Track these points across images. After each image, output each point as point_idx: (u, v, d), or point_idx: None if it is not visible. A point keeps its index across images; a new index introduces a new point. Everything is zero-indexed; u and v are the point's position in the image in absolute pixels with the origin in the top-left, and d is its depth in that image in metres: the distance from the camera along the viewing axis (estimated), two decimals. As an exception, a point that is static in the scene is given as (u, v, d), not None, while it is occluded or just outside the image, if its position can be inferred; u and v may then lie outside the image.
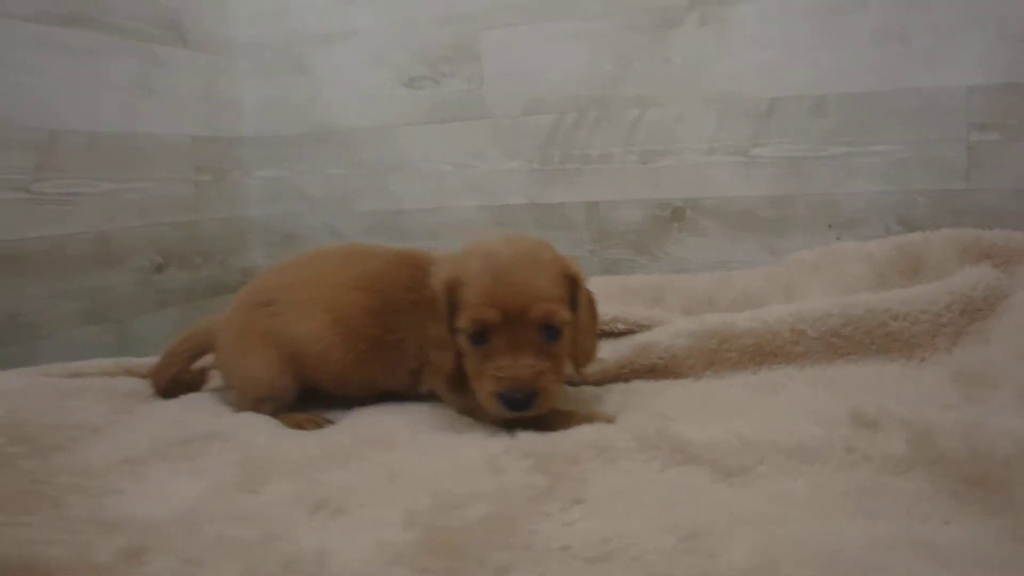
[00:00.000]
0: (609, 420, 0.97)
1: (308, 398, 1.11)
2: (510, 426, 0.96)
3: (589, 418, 0.97)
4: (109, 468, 0.84)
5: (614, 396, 1.08)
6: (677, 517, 0.68)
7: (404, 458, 0.87)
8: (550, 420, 0.96)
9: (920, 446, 0.76)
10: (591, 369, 1.10)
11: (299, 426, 1.04)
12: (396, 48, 1.84)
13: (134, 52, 1.62)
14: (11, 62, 1.36)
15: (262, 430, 0.99)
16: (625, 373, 1.16)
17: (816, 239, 1.55)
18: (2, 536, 0.67)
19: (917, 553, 0.59)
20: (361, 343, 1.07)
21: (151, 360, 1.20)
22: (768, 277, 1.40)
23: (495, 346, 0.93)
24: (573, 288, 0.98)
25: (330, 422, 1.06)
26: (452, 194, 1.84)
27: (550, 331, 0.94)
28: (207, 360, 1.20)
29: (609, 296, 1.30)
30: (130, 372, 1.20)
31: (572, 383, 1.13)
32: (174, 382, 1.17)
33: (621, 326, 1.25)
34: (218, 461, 0.86)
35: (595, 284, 1.08)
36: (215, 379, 1.21)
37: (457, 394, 1.02)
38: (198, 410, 1.07)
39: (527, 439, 0.89)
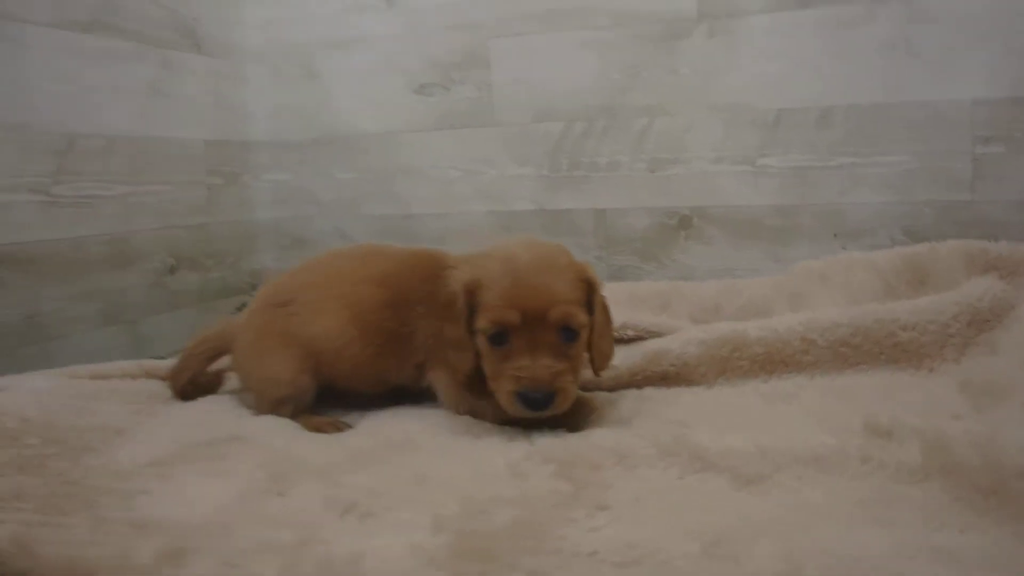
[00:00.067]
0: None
1: (319, 401, 1.12)
2: (524, 425, 0.98)
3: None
4: (137, 470, 0.85)
5: (628, 402, 1.10)
6: (699, 524, 0.70)
7: (426, 462, 0.88)
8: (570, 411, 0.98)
9: (934, 456, 0.77)
10: (607, 374, 1.11)
11: (318, 429, 1.06)
12: (406, 55, 1.86)
13: (150, 58, 1.64)
14: (32, 67, 1.37)
15: (282, 433, 1.00)
16: (638, 380, 1.17)
17: (822, 248, 1.58)
18: (44, 537, 0.68)
19: (937, 560, 0.61)
20: (377, 337, 1.08)
21: (171, 362, 1.21)
22: (775, 285, 1.42)
23: (514, 347, 0.95)
24: (589, 292, 1.00)
25: (348, 426, 1.08)
26: (460, 199, 1.85)
27: (568, 333, 0.96)
28: (222, 362, 1.21)
29: (616, 302, 1.30)
30: (150, 374, 1.21)
31: (586, 388, 1.15)
32: (191, 384, 1.18)
33: (631, 332, 1.26)
34: (242, 464, 0.87)
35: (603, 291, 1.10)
36: (231, 381, 1.23)
37: (470, 394, 1.04)
38: (218, 413, 1.09)
39: (546, 445, 0.91)
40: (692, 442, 0.87)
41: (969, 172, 1.48)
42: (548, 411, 0.94)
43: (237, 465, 0.87)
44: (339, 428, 1.07)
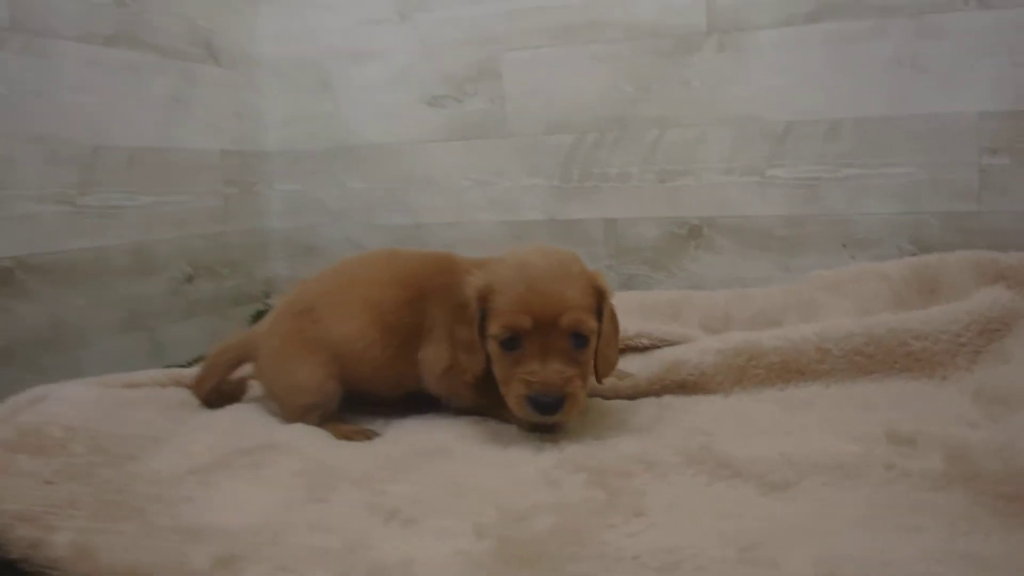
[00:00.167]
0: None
1: (341, 410, 1.14)
2: (535, 429, 1.01)
3: None
4: (178, 477, 0.87)
5: (648, 410, 1.12)
6: (733, 529, 0.72)
7: (459, 470, 0.91)
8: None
9: (957, 463, 0.80)
10: (609, 382, 1.14)
11: (347, 437, 1.07)
12: (419, 68, 1.88)
13: (171, 70, 1.67)
14: (59, 81, 1.40)
15: (315, 441, 1.02)
16: (656, 389, 1.20)
17: (830, 258, 1.60)
18: (104, 544, 0.70)
19: (967, 565, 0.63)
20: (396, 337, 1.10)
21: (195, 371, 1.23)
22: (786, 295, 1.44)
23: (526, 352, 0.97)
24: (600, 300, 1.03)
25: (376, 434, 1.09)
26: (472, 209, 1.88)
27: (579, 339, 0.98)
28: (244, 370, 1.22)
29: (627, 311, 1.32)
30: (178, 382, 1.23)
31: (605, 397, 1.17)
32: (215, 392, 1.19)
33: (645, 341, 1.28)
34: (280, 471, 0.89)
35: (613, 299, 1.12)
36: (254, 389, 1.24)
37: (477, 393, 1.07)
38: (249, 421, 1.10)
39: (575, 453, 0.93)
40: (717, 450, 0.89)
41: (976, 183, 1.51)
42: (557, 416, 0.96)
43: (275, 473, 0.89)
44: (368, 436, 1.08)
